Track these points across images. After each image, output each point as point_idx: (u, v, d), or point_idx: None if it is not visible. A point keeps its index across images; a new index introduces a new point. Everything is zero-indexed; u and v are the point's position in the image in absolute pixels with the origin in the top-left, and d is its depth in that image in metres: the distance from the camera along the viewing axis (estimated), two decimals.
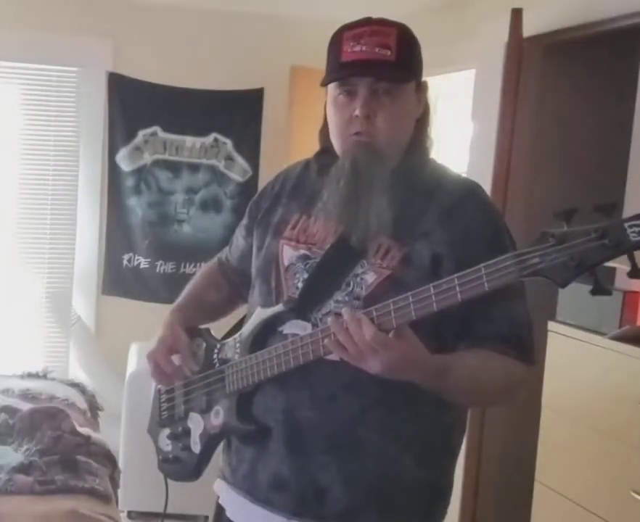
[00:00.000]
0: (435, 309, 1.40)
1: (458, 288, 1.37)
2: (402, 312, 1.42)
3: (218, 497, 1.81)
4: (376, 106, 1.60)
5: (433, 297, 1.39)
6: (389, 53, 1.58)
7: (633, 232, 1.26)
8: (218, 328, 1.86)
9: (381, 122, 1.60)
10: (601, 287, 1.33)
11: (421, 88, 1.67)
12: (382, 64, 1.58)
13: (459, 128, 4.06)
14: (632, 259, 1.30)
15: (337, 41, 1.63)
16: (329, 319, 1.50)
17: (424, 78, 1.68)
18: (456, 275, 1.38)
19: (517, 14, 3.22)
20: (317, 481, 1.60)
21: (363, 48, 1.58)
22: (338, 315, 1.50)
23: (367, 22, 1.62)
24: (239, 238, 1.91)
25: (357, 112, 1.59)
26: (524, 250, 1.34)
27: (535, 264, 1.33)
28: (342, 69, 1.61)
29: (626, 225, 1.27)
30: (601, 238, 1.28)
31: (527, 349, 1.61)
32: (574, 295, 2.50)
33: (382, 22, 1.62)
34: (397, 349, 1.43)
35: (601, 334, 2.53)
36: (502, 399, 1.80)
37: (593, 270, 1.31)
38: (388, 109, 1.60)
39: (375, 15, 1.65)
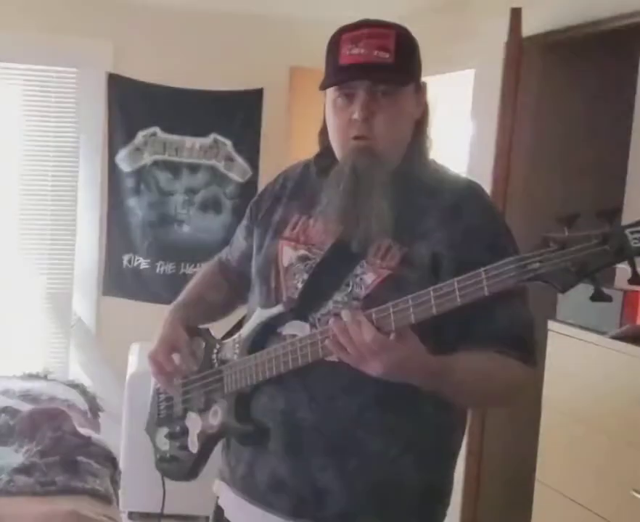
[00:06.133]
0: (435, 313, 1.40)
1: (458, 293, 1.37)
2: (402, 314, 1.42)
3: (218, 498, 1.80)
4: (374, 109, 1.59)
5: (433, 301, 1.39)
6: (387, 55, 1.57)
7: (635, 238, 1.25)
8: (217, 328, 1.86)
9: (380, 124, 1.60)
10: (601, 293, 1.32)
11: (420, 90, 1.67)
12: (380, 67, 1.58)
13: (458, 128, 4.06)
14: (633, 265, 1.28)
15: (335, 44, 1.62)
16: (330, 320, 1.49)
17: (423, 80, 1.68)
18: (456, 279, 1.38)
19: (516, 14, 3.22)
20: (316, 482, 1.59)
21: (362, 50, 1.57)
22: (338, 315, 1.49)
23: (365, 23, 1.61)
24: (239, 239, 1.91)
25: (355, 116, 1.59)
26: (525, 255, 1.34)
27: (536, 269, 1.32)
28: (340, 73, 1.61)
29: (627, 231, 1.26)
30: (603, 244, 1.27)
31: (529, 351, 1.60)
32: (574, 294, 2.48)
33: (381, 24, 1.61)
34: (397, 351, 1.43)
35: (602, 333, 2.53)
36: (502, 401, 1.81)
37: (594, 276, 1.31)
38: (387, 111, 1.60)
39: (375, 15, 1.65)
